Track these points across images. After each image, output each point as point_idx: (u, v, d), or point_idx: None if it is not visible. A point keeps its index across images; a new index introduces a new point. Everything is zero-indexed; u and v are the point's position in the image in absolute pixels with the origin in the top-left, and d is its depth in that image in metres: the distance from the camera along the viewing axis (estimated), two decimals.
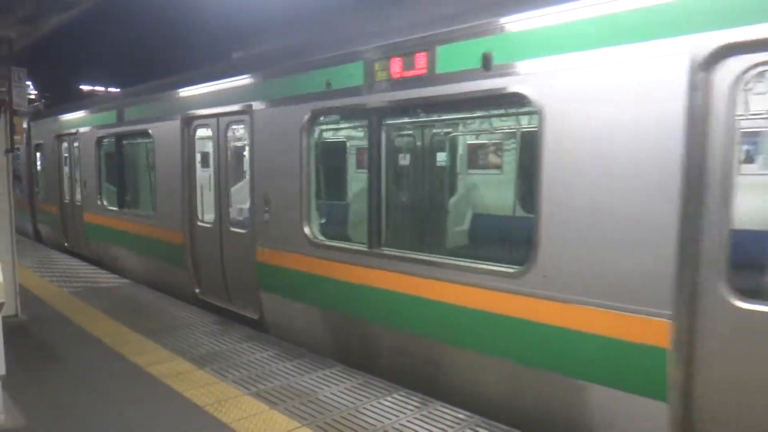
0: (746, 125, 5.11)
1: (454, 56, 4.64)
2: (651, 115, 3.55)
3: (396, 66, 5.10)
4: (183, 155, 8.31)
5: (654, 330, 3.58)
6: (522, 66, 4.20)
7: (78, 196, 12.24)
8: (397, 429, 4.30)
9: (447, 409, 4.62)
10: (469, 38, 4.53)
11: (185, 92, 8.37)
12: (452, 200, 7.91)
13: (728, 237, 3.33)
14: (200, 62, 9.46)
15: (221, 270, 7.77)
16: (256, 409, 4.62)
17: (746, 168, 5.92)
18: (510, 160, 7.96)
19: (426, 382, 5.11)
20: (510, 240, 6.34)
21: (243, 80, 7.13)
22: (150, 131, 9.12)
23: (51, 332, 6.65)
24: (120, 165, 10.86)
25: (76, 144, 12.35)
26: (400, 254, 5.35)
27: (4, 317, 4.42)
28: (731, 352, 3.35)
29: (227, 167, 7.66)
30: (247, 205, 7.38)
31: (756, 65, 3.23)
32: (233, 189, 7.80)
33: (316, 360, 5.80)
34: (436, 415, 4.53)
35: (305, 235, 6.21)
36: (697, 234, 3.40)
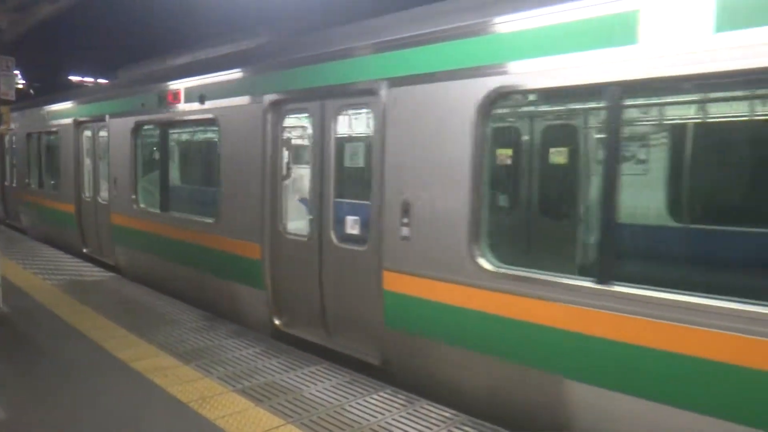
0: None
1: (190, 95, 7.94)
2: None
3: (170, 97, 8.40)
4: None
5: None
6: (215, 103, 7.45)
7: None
8: (382, 427, 4.28)
9: (432, 408, 4.61)
10: (195, 86, 7.84)
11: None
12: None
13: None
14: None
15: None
16: (240, 406, 4.58)
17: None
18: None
19: None
20: None
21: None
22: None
23: (34, 325, 6.57)
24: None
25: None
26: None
27: None
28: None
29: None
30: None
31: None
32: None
33: (302, 357, 5.76)
34: (421, 413, 4.51)
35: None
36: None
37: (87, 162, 11.44)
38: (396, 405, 4.66)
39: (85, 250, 11.52)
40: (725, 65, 3.37)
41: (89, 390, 4.82)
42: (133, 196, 9.43)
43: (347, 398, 4.78)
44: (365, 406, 4.63)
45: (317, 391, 4.92)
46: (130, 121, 9.34)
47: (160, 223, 8.76)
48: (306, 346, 6.15)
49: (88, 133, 11.28)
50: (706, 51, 3.43)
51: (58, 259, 10.81)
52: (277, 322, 6.63)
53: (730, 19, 3.35)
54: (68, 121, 11.70)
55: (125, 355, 5.65)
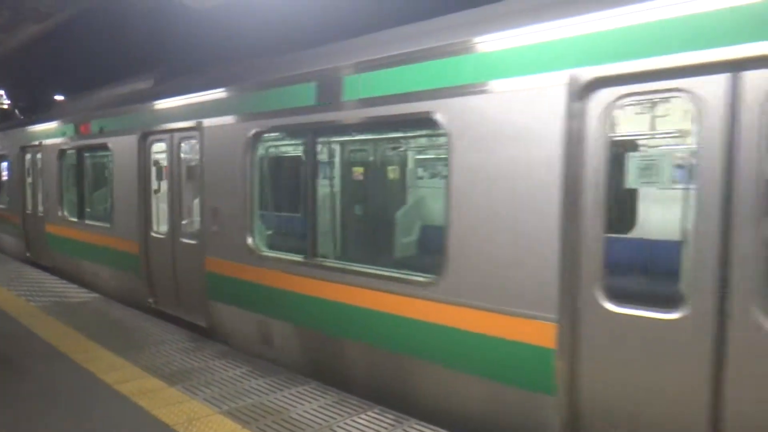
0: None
1: (95, 126, 10.04)
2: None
3: (82, 129, 10.59)
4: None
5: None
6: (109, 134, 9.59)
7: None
8: None
9: (422, 427, 4.58)
10: (94, 120, 10.05)
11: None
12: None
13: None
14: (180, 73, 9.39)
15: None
16: (227, 428, 4.53)
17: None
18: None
19: None
20: None
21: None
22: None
23: (16, 347, 6.47)
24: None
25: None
26: None
27: None
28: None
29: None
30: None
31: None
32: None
33: (289, 377, 5.72)
34: None
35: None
36: None
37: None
38: (384, 425, 4.63)
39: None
40: None
41: (74, 414, 4.75)
42: (59, 209, 11.41)
43: (335, 418, 4.74)
44: (353, 427, 4.60)
45: (305, 411, 4.88)
46: (57, 146, 11.54)
47: (78, 229, 10.78)
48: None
49: (28, 156, 13.25)
50: None
51: (42, 280, 10.69)
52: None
53: None
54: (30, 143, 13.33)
55: (110, 377, 5.58)
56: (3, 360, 6.08)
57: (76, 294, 9.47)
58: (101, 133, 9.82)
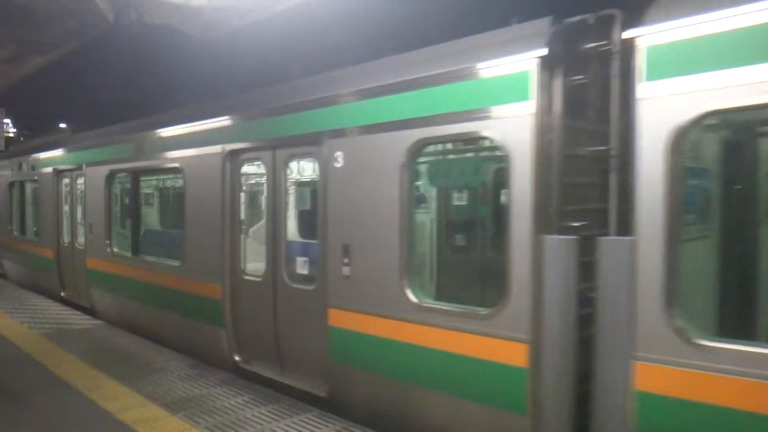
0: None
1: (29, 165, 12.91)
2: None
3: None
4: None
5: None
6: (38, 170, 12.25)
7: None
8: None
9: None
10: (30, 160, 12.74)
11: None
12: None
13: None
14: (180, 103, 9.53)
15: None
16: None
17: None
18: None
19: None
20: None
21: None
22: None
23: (18, 375, 6.48)
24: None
25: None
26: None
27: None
28: None
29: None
30: None
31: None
32: None
33: (292, 405, 5.71)
34: None
35: None
36: None
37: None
38: None
39: None
40: None
41: None
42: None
43: None
44: None
45: None
46: (6, 179, 13.87)
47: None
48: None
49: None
50: None
51: (45, 307, 10.70)
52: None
53: None
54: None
55: (112, 406, 5.57)
56: (3, 388, 6.07)
57: (79, 321, 9.47)
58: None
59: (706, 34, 3.45)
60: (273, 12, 8.31)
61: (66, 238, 11.59)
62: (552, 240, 4.05)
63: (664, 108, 3.56)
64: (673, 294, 3.53)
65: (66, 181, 11.62)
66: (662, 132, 3.54)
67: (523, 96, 4.17)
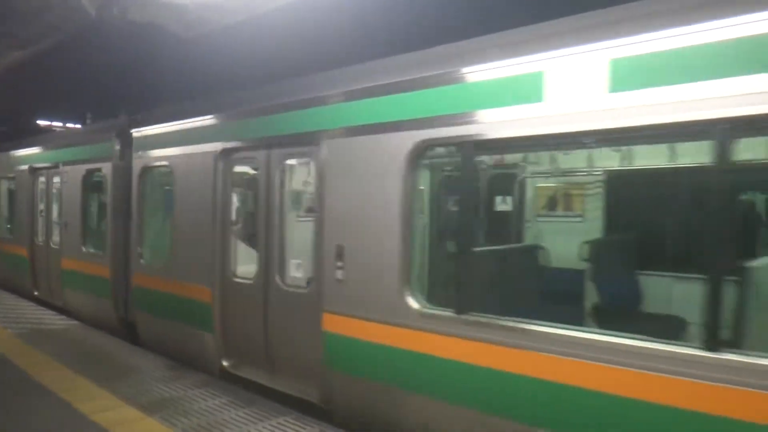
0: None
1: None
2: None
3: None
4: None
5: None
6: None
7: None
8: None
9: None
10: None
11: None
12: None
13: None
14: (167, 100, 9.46)
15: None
16: None
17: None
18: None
19: None
20: None
21: None
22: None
23: None
24: None
25: None
26: None
27: None
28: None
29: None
30: None
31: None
32: None
33: (268, 408, 5.67)
34: None
35: None
36: None
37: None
38: None
39: None
40: None
41: None
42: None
43: None
44: None
45: None
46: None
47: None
48: None
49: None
50: None
51: (19, 307, 10.52)
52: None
53: None
54: None
55: (87, 407, 5.48)
56: None
57: (53, 321, 9.32)
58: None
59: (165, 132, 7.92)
60: (260, 11, 8.26)
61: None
62: None
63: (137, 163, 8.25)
64: None
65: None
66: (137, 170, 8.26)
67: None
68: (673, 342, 3.57)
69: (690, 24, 3.45)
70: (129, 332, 8.66)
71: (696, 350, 3.37)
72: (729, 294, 3.62)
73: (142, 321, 8.35)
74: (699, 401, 3.33)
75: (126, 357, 7.29)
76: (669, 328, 5.92)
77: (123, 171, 8.83)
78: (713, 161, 3.37)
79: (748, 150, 5.12)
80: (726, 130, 3.32)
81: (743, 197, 6.90)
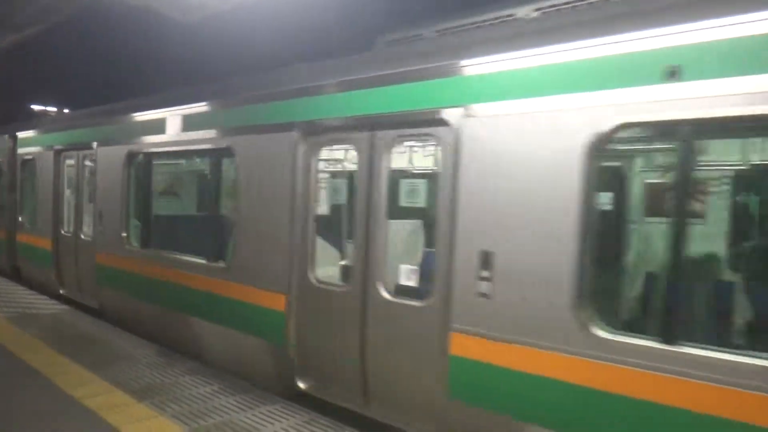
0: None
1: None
2: None
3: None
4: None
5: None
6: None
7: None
8: None
9: None
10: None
11: None
12: None
13: None
14: (161, 86, 9.38)
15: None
16: None
17: None
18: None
19: None
20: None
21: None
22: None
23: None
24: None
25: None
26: None
27: None
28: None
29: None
30: None
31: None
32: None
33: (259, 396, 5.68)
34: None
35: None
36: None
37: None
38: None
39: None
40: None
41: (37, 429, 4.66)
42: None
43: None
44: None
45: (274, 430, 4.85)
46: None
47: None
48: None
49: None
50: None
51: (10, 291, 10.49)
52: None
53: None
54: None
55: (78, 392, 5.49)
56: None
57: (45, 306, 9.30)
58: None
59: None
60: None
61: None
62: None
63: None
64: None
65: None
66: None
67: None
68: None
69: None
70: None
71: None
72: None
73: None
74: None
75: (117, 343, 7.29)
76: None
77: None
78: None
79: None
80: None
81: None
